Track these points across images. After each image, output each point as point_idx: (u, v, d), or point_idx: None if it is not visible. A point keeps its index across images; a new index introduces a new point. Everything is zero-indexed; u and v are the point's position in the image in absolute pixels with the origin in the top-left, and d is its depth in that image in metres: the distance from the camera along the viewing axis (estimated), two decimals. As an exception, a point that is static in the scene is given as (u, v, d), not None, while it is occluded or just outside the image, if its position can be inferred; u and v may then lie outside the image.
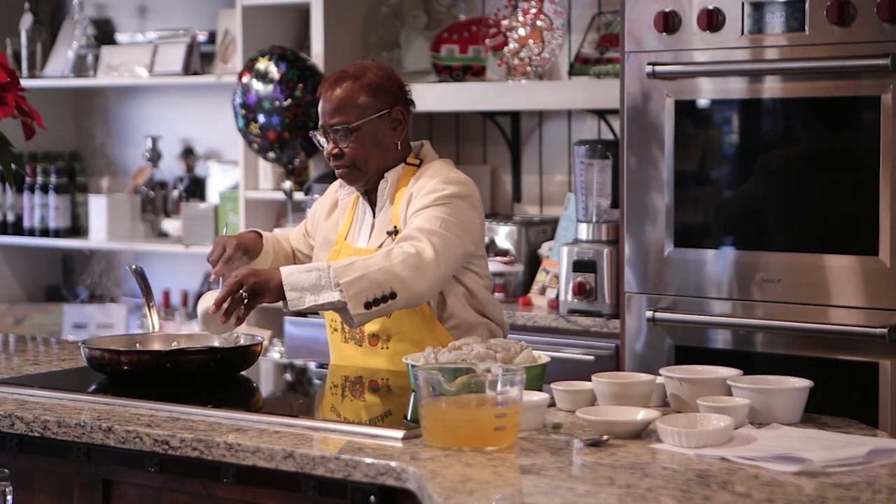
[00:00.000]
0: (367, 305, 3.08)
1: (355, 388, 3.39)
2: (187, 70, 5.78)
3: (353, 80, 3.35)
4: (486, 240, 4.41)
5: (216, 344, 3.31)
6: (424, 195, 3.28)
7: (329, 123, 3.34)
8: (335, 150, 3.34)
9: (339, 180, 3.49)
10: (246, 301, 3.08)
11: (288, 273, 3.08)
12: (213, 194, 5.94)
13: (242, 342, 3.32)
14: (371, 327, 3.33)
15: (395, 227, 3.33)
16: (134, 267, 3.45)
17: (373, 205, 3.43)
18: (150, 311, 3.45)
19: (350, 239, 3.45)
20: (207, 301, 3.17)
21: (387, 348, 3.34)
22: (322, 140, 3.39)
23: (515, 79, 4.97)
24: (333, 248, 3.47)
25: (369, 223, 3.42)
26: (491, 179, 5.31)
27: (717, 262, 3.95)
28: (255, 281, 3.08)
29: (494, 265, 4.72)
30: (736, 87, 3.92)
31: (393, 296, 3.10)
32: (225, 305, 3.07)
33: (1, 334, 4.29)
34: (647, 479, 2.38)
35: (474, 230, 3.31)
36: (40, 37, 6.19)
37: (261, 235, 3.53)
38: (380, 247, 3.33)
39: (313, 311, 3.17)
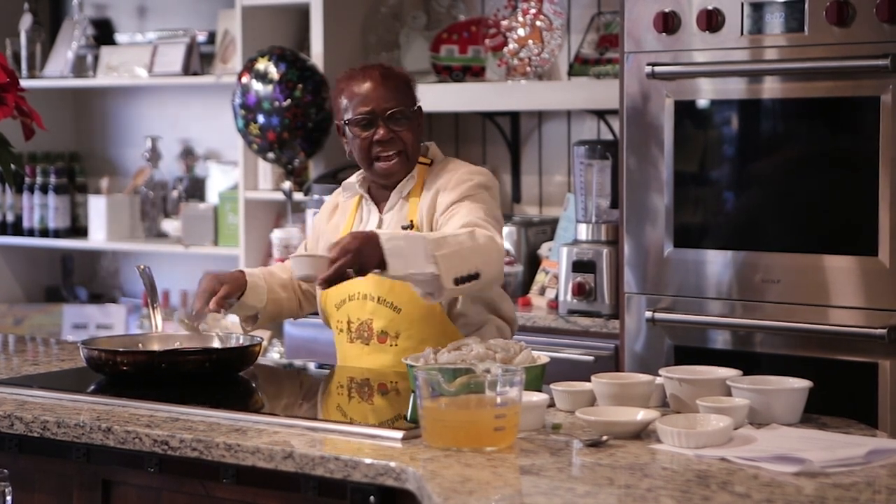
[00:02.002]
0: (456, 282, 3.05)
1: (355, 388, 3.39)
2: (187, 70, 5.78)
3: (396, 72, 3.43)
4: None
5: (214, 345, 3.31)
6: (454, 186, 3.31)
7: (385, 108, 3.34)
8: (390, 136, 3.33)
9: (336, 191, 3.51)
10: (353, 272, 2.99)
11: (387, 238, 3.01)
12: (212, 195, 5.94)
13: (242, 342, 3.32)
14: (380, 324, 3.33)
15: (412, 222, 3.33)
16: (142, 267, 3.45)
17: (377, 202, 3.43)
18: (153, 312, 3.45)
19: None
20: (306, 268, 3.04)
21: (395, 345, 3.33)
22: (359, 130, 3.34)
23: (515, 79, 4.97)
24: None
25: (375, 221, 3.41)
26: (490, 180, 5.31)
27: (717, 262, 3.95)
28: (356, 256, 2.97)
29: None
30: (735, 88, 3.92)
31: (476, 276, 3.07)
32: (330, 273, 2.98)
33: (0, 335, 4.29)
34: (647, 479, 2.38)
35: (501, 219, 3.35)
36: (40, 37, 6.19)
37: (243, 273, 3.49)
38: None
39: (401, 279, 3.08)
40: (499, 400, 2.57)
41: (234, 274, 3.48)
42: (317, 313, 3.54)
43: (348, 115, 3.36)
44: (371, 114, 3.34)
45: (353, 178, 3.48)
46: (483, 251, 3.09)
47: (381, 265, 3.00)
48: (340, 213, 3.51)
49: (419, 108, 3.44)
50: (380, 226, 3.39)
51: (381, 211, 3.42)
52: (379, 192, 3.43)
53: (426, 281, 3.05)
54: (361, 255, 2.98)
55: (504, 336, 3.40)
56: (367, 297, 3.33)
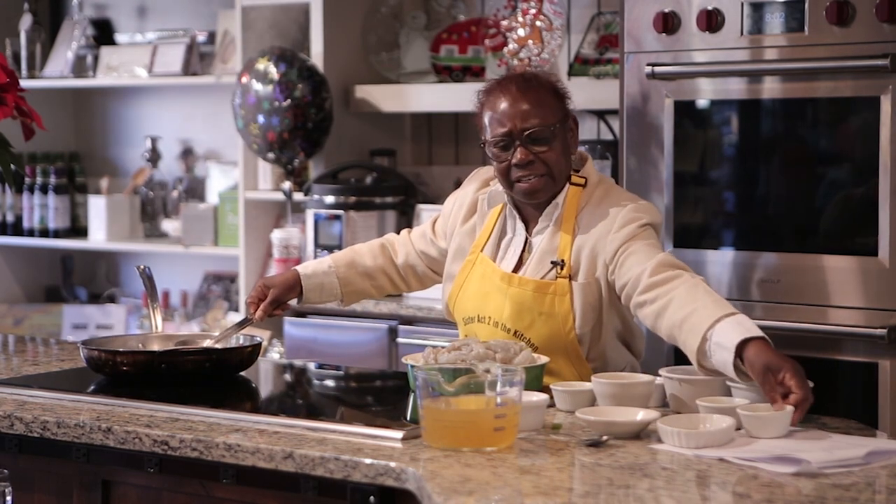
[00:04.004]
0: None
1: (355, 388, 3.40)
2: (187, 70, 5.78)
3: (537, 81, 3.16)
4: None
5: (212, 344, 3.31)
6: (622, 226, 3.07)
7: (523, 128, 3.09)
8: (529, 158, 3.09)
9: (480, 176, 3.32)
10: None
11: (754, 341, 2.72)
12: (212, 195, 5.93)
13: (241, 342, 3.32)
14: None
15: (563, 260, 3.10)
16: (142, 267, 3.45)
17: (525, 220, 3.21)
18: (153, 312, 3.45)
19: (488, 251, 3.23)
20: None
21: None
22: (498, 152, 3.12)
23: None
24: (468, 258, 3.26)
25: (519, 243, 3.20)
26: (490, 180, 5.31)
27: (717, 262, 3.95)
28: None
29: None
30: (735, 88, 3.92)
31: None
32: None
33: (0, 335, 4.29)
34: (647, 479, 2.38)
35: None
36: (39, 37, 6.19)
37: (296, 273, 3.35)
38: (542, 277, 3.11)
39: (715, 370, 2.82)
40: (499, 400, 2.57)
41: (284, 276, 3.36)
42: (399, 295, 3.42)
43: (486, 136, 3.15)
44: (508, 136, 3.11)
45: (501, 189, 3.23)
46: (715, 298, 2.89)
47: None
48: (479, 218, 3.28)
49: (568, 118, 3.17)
50: (526, 247, 3.18)
51: (529, 232, 3.20)
52: (530, 211, 3.20)
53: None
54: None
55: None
56: (500, 327, 3.15)
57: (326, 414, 3.09)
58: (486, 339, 3.11)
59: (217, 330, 3.39)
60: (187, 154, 6.11)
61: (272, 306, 3.30)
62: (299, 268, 3.39)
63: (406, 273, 3.43)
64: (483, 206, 3.28)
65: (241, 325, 3.32)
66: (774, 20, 3.82)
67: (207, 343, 3.31)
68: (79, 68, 6.07)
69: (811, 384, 2.74)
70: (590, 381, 2.94)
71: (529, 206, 3.20)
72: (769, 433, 2.59)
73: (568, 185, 3.17)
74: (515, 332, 3.14)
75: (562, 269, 3.11)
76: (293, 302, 3.39)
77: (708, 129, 4.02)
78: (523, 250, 3.21)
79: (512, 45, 4.99)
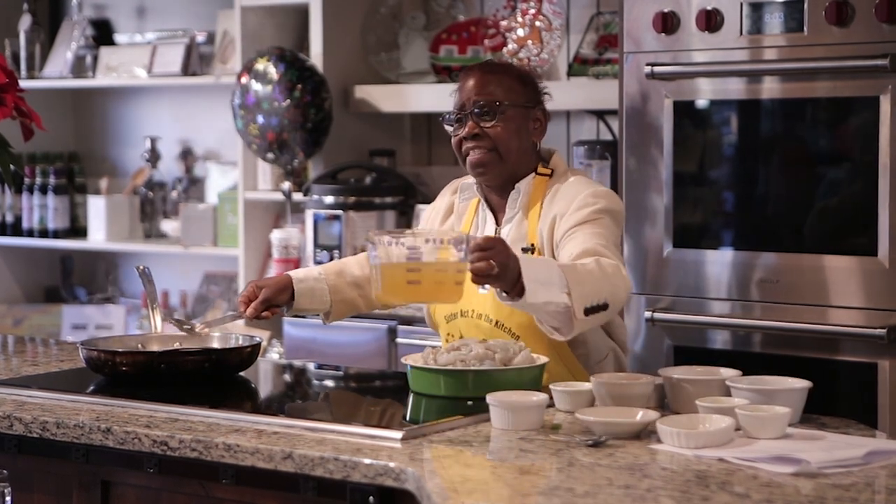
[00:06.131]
0: (586, 312, 2.89)
1: (355, 388, 3.39)
2: (186, 71, 5.78)
3: (505, 66, 3.27)
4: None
5: (214, 345, 3.31)
6: (576, 210, 3.12)
7: (474, 100, 3.16)
8: (476, 130, 3.16)
9: (453, 184, 3.36)
10: (491, 273, 2.78)
11: (526, 264, 2.83)
12: (211, 195, 5.94)
13: (241, 343, 3.32)
14: None
15: (532, 245, 3.16)
16: (141, 267, 3.45)
17: (494, 212, 3.26)
18: (153, 312, 3.45)
19: None
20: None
21: None
22: (454, 126, 3.20)
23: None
24: None
25: (491, 232, 3.24)
26: (490, 180, 5.31)
27: (716, 262, 3.95)
28: (506, 259, 2.80)
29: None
30: (735, 88, 3.92)
31: (605, 306, 2.92)
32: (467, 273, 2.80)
33: (0, 335, 4.29)
34: (646, 479, 2.38)
35: (620, 245, 3.19)
36: (39, 38, 6.19)
37: (289, 277, 3.35)
38: None
39: (532, 310, 2.92)
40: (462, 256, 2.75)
41: (276, 278, 3.36)
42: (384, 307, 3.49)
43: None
44: (462, 109, 3.19)
45: (472, 180, 3.30)
46: (610, 281, 2.94)
47: (515, 288, 2.83)
48: (456, 217, 3.34)
49: (535, 107, 3.22)
50: None
51: (498, 222, 3.26)
52: (497, 202, 3.26)
53: (556, 313, 2.90)
54: (508, 260, 2.81)
55: (620, 363, 3.27)
56: (483, 318, 3.18)
57: (326, 414, 3.09)
58: (468, 332, 3.15)
59: (217, 330, 3.38)
60: (187, 154, 6.11)
61: (263, 305, 3.30)
62: (291, 273, 3.41)
63: None
64: (458, 204, 3.33)
65: (232, 317, 3.34)
66: (774, 20, 3.82)
67: (199, 327, 3.34)
68: (78, 69, 6.07)
69: (810, 384, 2.75)
70: (573, 367, 2.98)
71: (495, 195, 3.25)
72: (768, 433, 2.60)
73: (534, 174, 3.22)
74: (497, 323, 3.16)
75: (532, 254, 3.14)
76: (283, 310, 3.38)
77: (707, 130, 4.02)
78: None
79: (511, 46, 4.99)
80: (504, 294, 2.86)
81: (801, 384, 2.78)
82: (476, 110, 3.17)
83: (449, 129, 3.23)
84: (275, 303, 3.31)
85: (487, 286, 2.91)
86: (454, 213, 3.36)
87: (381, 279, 2.81)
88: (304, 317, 4.90)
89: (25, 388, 3.17)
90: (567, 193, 3.18)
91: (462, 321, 3.23)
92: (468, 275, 2.79)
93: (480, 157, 3.17)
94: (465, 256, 2.77)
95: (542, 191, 3.21)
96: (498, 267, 2.78)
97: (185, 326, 3.35)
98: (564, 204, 3.15)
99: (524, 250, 3.14)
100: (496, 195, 3.26)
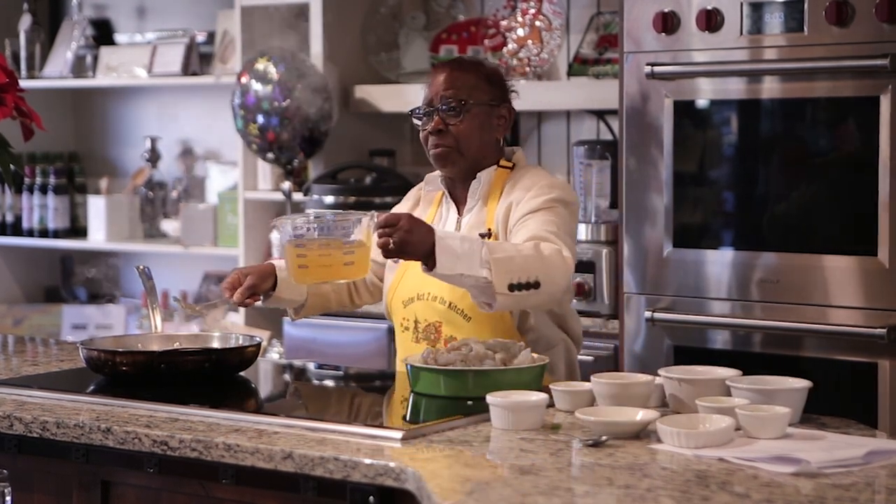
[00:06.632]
0: (511, 288, 2.99)
1: (355, 388, 3.39)
2: (186, 71, 5.78)
3: (473, 65, 3.34)
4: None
5: (214, 345, 3.31)
6: (531, 198, 3.22)
7: (441, 96, 3.27)
8: (440, 126, 3.26)
9: (418, 186, 3.45)
10: (391, 249, 2.97)
11: (441, 236, 2.98)
12: (211, 195, 5.94)
13: (241, 342, 3.32)
14: (448, 330, 3.24)
15: (490, 230, 3.25)
16: (141, 267, 3.45)
17: (457, 203, 3.36)
18: (152, 312, 3.45)
19: None
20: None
21: None
22: (422, 121, 3.30)
23: (514, 79, 4.97)
24: None
25: (453, 221, 3.34)
26: (490, 180, 5.31)
27: (716, 262, 3.95)
28: (406, 234, 2.97)
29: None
30: (735, 88, 3.92)
31: (536, 285, 3.01)
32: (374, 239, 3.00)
33: (0, 335, 4.29)
34: (646, 479, 2.38)
35: (575, 236, 3.27)
36: (39, 37, 6.19)
37: (272, 265, 3.40)
38: None
39: (452, 281, 3.05)
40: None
41: (260, 266, 3.41)
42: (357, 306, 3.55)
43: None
44: (429, 105, 3.30)
45: (438, 173, 3.40)
46: (545, 262, 3.03)
47: (430, 260, 2.97)
48: (422, 208, 3.43)
49: (501, 105, 3.33)
50: (458, 228, 3.32)
51: (460, 213, 3.35)
52: (460, 194, 3.35)
53: (479, 287, 3.01)
54: (411, 236, 2.96)
55: (570, 355, 3.35)
56: (437, 300, 3.25)
57: (326, 414, 3.09)
58: (425, 314, 3.26)
59: (217, 331, 3.39)
60: (187, 154, 6.11)
61: (249, 291, 3.32)
62: (273, 261, 3.46)
63: (359, 284, 3.49)
64: (423, 195, 3.42)
65: (217, 305, 3.37)
66: (774, 20, 3.82)
67: (198, 307, 3.47)
68: (78, 68, 6.07)
69: (810, 384, 2.75)
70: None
71: (458, 187, 3.34)
72: (768, 433, 2.60)
73: (496, 166, 3.31)
74: (450, 304, 3.23)
75: (489, 238, 3.20)
76: (262, 298, 3.39)
77: (707, 129, 4.02)
78: (457, 228, 3.32)
79: (511, 45, 4.99)
80: (425, 267, 3.01)
81: (801, 384, 2.78)
82: (443, 107, 3.27)
83: (418, 123, 3.34)
84: (259, 290, 3.35)
85: (399, 259, 3.14)
86: (420, 205, 3.44)
87: (286, 262, 3.15)
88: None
89: (25, 388, 3.17)
90: (524, 183, 3.28)
91: (419, 304, 3.28)
92: (364, 251, 3.06)
93: (441, 152, 3.28)
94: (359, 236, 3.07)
95: (502, 181, 3.31)
96: (398, 242, 2.95)
97: (197, 308, 3.48)
98: (521, 192, 3.25)
99: (482, 235, 3.21)
100: (459, 187, 3.35)
